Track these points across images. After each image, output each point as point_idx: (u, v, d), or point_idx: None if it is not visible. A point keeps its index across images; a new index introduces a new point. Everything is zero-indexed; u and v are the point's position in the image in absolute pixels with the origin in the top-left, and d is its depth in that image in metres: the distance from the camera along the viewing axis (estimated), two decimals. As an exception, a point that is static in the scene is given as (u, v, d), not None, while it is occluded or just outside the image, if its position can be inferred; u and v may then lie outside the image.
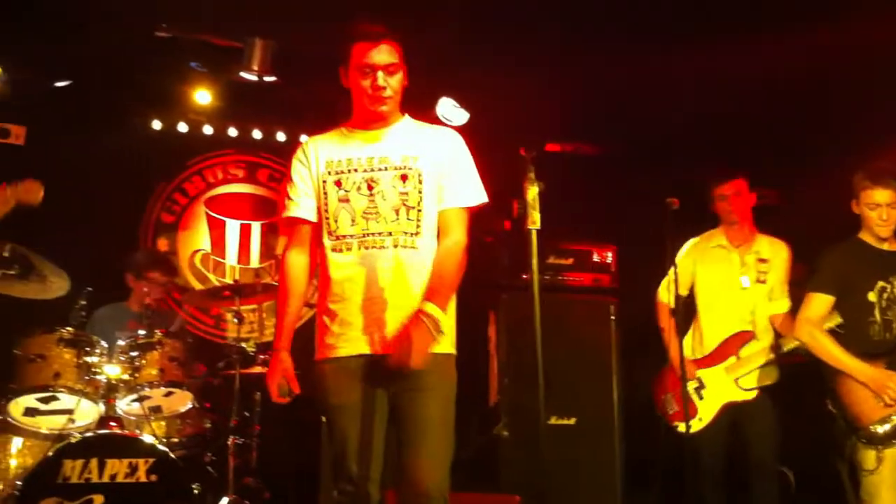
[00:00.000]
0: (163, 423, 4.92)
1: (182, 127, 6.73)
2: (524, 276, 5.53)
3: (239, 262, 6.98)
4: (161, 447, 4.42)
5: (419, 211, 3.23)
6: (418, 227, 3.22)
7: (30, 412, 4.65)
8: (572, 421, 5.35)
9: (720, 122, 6.15)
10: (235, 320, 5.20)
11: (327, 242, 3.26)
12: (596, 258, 5.79)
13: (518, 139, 3.38)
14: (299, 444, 5.59)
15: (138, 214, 6.76)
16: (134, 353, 4.68)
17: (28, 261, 4.71)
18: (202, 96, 6.52)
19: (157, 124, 6.67)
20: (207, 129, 6.81)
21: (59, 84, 6.20)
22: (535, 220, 2.87)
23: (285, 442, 5.64)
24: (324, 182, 3.27)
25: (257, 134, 7.00)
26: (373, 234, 3.20)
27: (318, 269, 3.31)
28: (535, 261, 2.86)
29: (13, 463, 4.61)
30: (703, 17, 5.44)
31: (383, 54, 3.20)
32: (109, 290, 5.47)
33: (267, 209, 7.10)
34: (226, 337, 6.64)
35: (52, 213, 6.02)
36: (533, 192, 2.88)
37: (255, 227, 7.06)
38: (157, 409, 4.84)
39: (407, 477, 3.10)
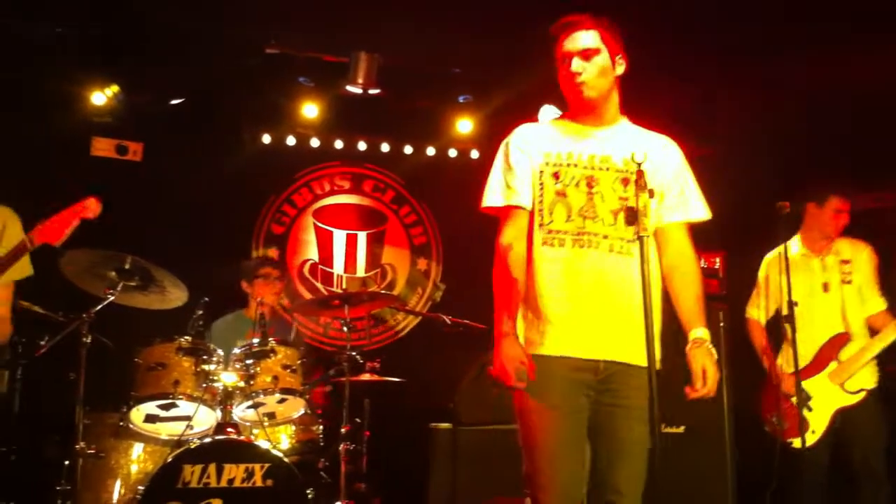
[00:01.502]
0: (276, 430, 5.05)
1: (290, 140, 6.90)
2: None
3: (346, 272, 7.11)
4: (276, 453, 4.52)
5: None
6: (636, 234, 2.99)
7: (150, 419, 4.81)
8: (681, 429, 5.27)
9: (834, 125, 6.00)
10: (345, 328, 5.29)
11: (537, 234, 3.12)
12: (703, 264, 5.69)
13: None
14: (407, 451, 5.67)
15: (250, 226, 6.96)
16: (249, 361, 4.79)
17: (148, 272, 4.87)
18: (310, 110, 6.68)
19: (266, 138, 6.85)
20: (314, 142, 6.97)
21: (174, 102, 6.45)
22: (645, 228, 2.84)
23: (394, 448, 5.72)
24: (541, 172, 3.14)
25: (362, 146, 7.13)
26: (589, 233, 3.07)
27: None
28: (646, 267, 2.82)
29: (134, 469, 4.77)
30: (818, 24, 5.33)
31: (577, 40, 3.10)
32: (224, 300, 5.63)
33: (372, 219, 7.22)
34: (334, 345, 6.77)
35: (169, 225, 6.30)
36: (643, 199, 2.85)
37: (361, 236, 7.18)
38: (271, 416, 4.95)
39: (604, 494, 3.05)
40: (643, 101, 5.96)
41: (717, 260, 5.69)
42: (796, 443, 4.67)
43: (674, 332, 3.22)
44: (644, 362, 2.88)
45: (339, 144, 7.07)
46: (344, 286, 6.93)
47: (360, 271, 7.13)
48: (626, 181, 3.10)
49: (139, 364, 4.72)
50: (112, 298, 4.72)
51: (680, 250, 3.21)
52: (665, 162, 3.21)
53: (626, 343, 3.04)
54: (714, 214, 6.01)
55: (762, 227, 4.86)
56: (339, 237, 7.15)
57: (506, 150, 3.23)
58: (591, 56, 3.10)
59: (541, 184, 3.14)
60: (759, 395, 5.04)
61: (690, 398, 3.07)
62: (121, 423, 4.74)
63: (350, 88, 6.41)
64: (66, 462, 4.42)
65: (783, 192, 4.66)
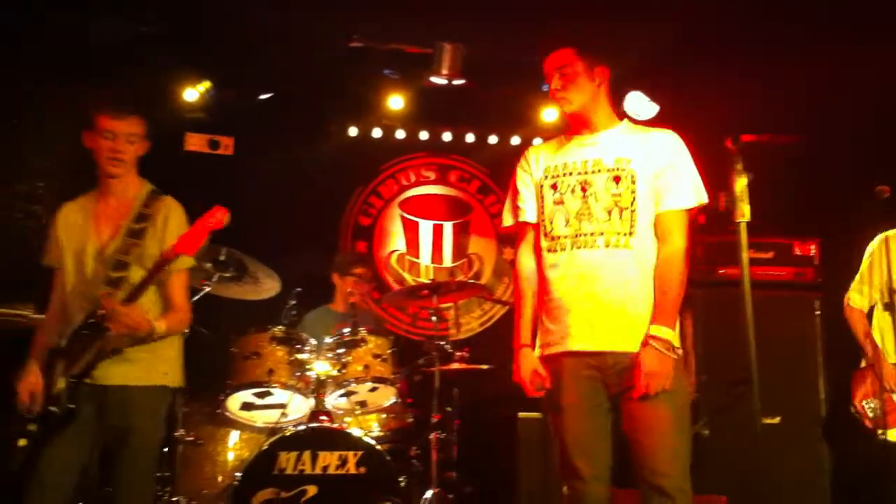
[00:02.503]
0: (368, 418, 5.12)
1: (376, 132, 6.96)
2: (721, 272, 5.41)
3: (432, 262, 7.15)
4: (369, 440, 4.58)
5: (633, 211, 3.25)
6: (632, 227, 3.25)
7: (246, 406, 4.92)
8: (777, 420, 5.18)
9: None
10: (434, 318, 5.33)
11: (543, 243, 3.37)
12: (798, 251, 5.57)
13: (720, 130, 3.31)
14: (497, 440, 5.68)
15: (338, 218, 7.05)
16: (341, 351, 4.86)
17: (242, 264, 4.98)
18: (395, 102, 6.71)
19: (353, 131, 6.92)
20: (400, 134, 7.01)
21: (263, 96, 6.56)
22: (744, 213, 2.81)
23: (484, 437, 5.75)
24: (541, 186, 3.38)
25: (447, 136, 7.15)
26: (584, 234, 3.27)
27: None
28: (745, 254, 2.79)
29: (231, 456, 4.89)
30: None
31: (555, 60, 3.35)
32: (315, 290, 5.71)
33: (458, 209, 7.24)
34: (422, 335, 6.82)
35: (260, 217, 6.41)
36: (741, 183, 2.82)
37: (447, 227, 7.21)
38: (362, 404, 5.02)
39: (647, 479, 3.14)
40: (736, 89, 5.92)
41: (813, 248, 5.57)
42: (891, 435, 4.54)
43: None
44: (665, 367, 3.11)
45: (424, 135, 7.10)
46: (431, 276, 6.96)
47: (447, 261, 7.16)
48: (617, 179, 3.28)
49: (235, 353, 4.83)
50: (208, 289, 4.84)
51: (664, 240, 3.29)
52: (657, 154, 3.30)
53: (627, 332, 3.19)
54: (809, 201, 5.87)
55: (861, 213, 4.72)
56: (426, 228, 7.19)
57: (514, 175, 3.51)
58: (567, 73, 3.32)
59: (542, 196, 3.38)
60: (855, 383, 4.90)
61: (634, 396, 3.14)
62: (217, 411, 4.85)
63: (434, 79, 6.43)
64: (165, 449, 4.54)
65: (883, 176, 4.51)
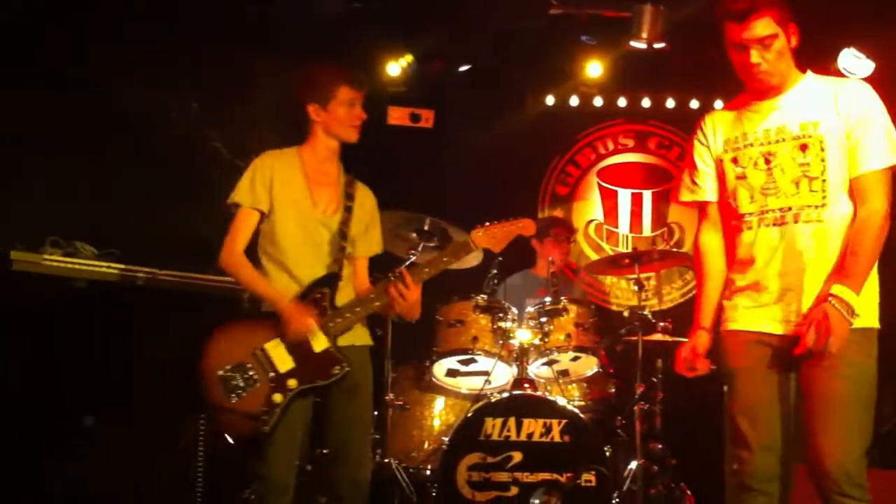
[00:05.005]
0: (570, 387, 5.12)
1: (574, 100, 6.89)
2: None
3: (631, 231, 7.03)
4: (573, 409, 4.59)
5: (823, 181, 3.02)
6: (824, 198, 3.01)
7: (451, 373, 5.04)
8: None
9: None
10: (636, 288, 5.26)
11: (729, 221, 3.22)
12: None
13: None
14: (702, 413, 5.55)
15: (535, 187, 7.04)
16: (543, 319, 4.89)
17: (446, 232, 5.07)
18: (593, 69, 6.62)
19: (550, 99, 6.88)
20: (598, 101, 6.92)
21: (462, 68, 6.62)
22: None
23: (688, 410, 5.63)
24: (721, 160, 3.21)
25: (646, 102, 6.98)
26: (771, 210, 3.08)
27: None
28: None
29: (436, 422, 5.04)
30: None
31: (755, 30, 3.01)
32: (515, 258, 5.74)
33: (657, 177, 7.07)
34: (621, 304, 6.74)
35: (459, 187, 6.52)
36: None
37: (647, 195, 7.07)
38: (564, 373, 5.04)
39: (810, 456, 2.98)
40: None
41: None
42: None
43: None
44: (861, 323, 2.95)
45: (622, 102, 6.97)
46: (630, 245, 6.86)
47: (646, 230, 7.03)
48: (804, 147, 3.05)
49: (440, 321, 4.96)
50: (414, 258, 4.95)
51: (861, 204, 3.02)
52: (848, 112, 3.04)
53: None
54: None
55: None
56: (624, 196, 7.08)
57: (690, 146, 3.33)
58: (770, 44, 3.03)
59: (723, 171, 3.20)
60: None
61: (795, 353, 2.97)
62: (424, 377, 4.99)
63: (634, 44, 6.29)
64: (375, 413, 4.71)
65: None
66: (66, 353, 4.57)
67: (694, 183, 3.29)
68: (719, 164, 3.22)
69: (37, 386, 4.54)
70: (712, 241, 3.28)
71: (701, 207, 3.32)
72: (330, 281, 3.56)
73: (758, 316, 3.09)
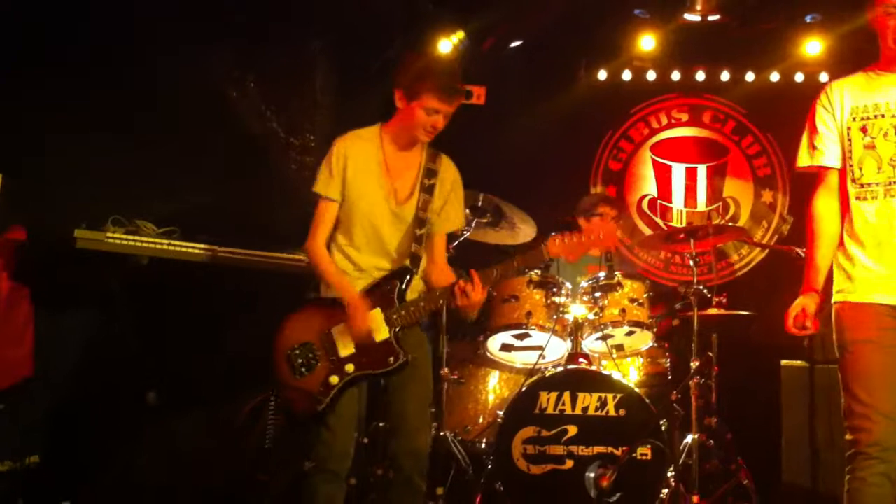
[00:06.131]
0: (624, 362, 5.12)
1: (626, 75, 6.82)
2: None
3: (685, 206, 6.98)
4: (627, 383, 4.60)
5: None
6: None
7: (505, 348, 5.07)
8: None
9: None
10: (691, 263, 5.23)
11: (851, 190, 3.24)
12: None
13: None
14: (757, 388, 5.53)
15: (588, 162, 7.01)
16: (597, 294, 4.89)
17: (499, 209, 5.10)
18: (647, 42, 6.55)
19: (602, 74, 6.83)
20: (651, 75, 6.85)
21: (514, 44, 6.60)
22: None
23: (744, 384, 5.60)
24: (848, 129, 3.22)
25: (700, 76, 6.89)
26: None
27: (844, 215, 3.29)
28: None
29: (491, 396, 5.07)
30: None
31: None
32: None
33: (712, 151, 7.00)
34: (675, 280, 6.71)
35: (512, 164, 6.52)
36: None
37: (701, 169, 7.00)
38: (619, 348, 5.04)
39: None
40: None
41: None
42: None
43: None
44: None
45: (675, 76, 6.88)
46: (684, 220, 6.81)
47: (701, 205, 6.97)
48: None
49: (494, 296, 4.97)
50: (467, 234, 4.98)
51: None
52: None
53: None
54: None
55: None
56: (678, 171, 7.02)
57: (812, 111, 3.33)
58: None
59: (849, 139, 3.21)
60: None
61: None
62: (479, 352, 5.03)
63: (688, 17, 6.23)
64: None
65: None
66: (129, 329, 4.68)
67: (813, 147, 3.32)
68: (845, 131, 3.23)
69: (100, 362, 4.66)
70: (830, 207, 3.30)
71: (820, 172, 3.33)
72: (402, 274, 3.62)
73: (879, 287, 3.13)
